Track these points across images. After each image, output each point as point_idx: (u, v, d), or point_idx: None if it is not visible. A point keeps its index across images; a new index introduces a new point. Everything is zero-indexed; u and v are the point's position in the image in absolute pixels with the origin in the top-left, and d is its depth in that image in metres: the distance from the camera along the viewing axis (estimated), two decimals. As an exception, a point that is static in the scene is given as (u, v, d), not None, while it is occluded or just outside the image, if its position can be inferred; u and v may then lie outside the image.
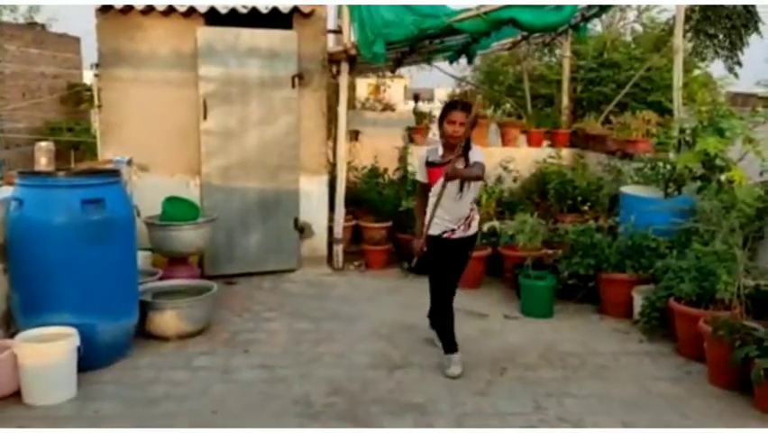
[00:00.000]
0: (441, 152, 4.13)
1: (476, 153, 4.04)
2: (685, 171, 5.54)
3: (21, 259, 4.05)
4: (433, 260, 4.26)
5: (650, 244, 5.32)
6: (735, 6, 9.39)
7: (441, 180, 3.96)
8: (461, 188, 4.08)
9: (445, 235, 4.17)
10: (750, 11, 9.50)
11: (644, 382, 4.12)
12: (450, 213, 4.12)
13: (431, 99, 16.47)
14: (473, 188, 4.18)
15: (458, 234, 4.19)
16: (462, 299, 5.71)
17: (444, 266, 4.25)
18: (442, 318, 4.34)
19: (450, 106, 4.14)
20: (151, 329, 4.68)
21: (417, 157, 4.07)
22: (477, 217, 4.31)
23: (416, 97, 11.83)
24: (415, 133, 8.54)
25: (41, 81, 12.09)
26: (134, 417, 3.59)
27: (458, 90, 12.65)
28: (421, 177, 4.28)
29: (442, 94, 14.39)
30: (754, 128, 5.53)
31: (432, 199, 4.09)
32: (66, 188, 4.11)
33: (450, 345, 4.26)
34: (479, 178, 4.04)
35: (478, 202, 4.43)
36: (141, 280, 4.79)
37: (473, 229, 4.28)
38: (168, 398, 3.82)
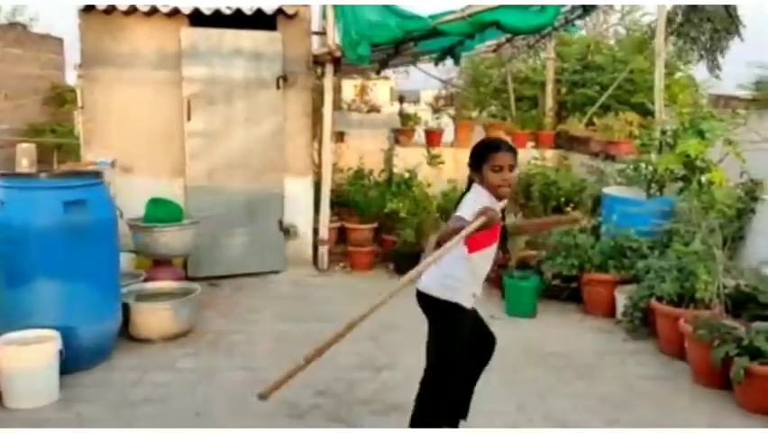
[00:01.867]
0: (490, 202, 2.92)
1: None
2: (666, 173, 5.62)
3: (2, 261, 4.01)
4: (460, 341, 3.14)
5: (632, 244, 5.38)
6: (716, 9, 9.50)
7: (491, 247, 3.05)
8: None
9: (470, 307, 3.17)
10: (731, 14, 9.60)
11: (627, 381, 4.16)
12: (481, 279, 3.17)
13: (417, 101, 16.48)
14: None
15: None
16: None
17: (471, 337, 3.24)
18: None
19: (492, 148, 3.00)
20: (135, 332, 4.65)
21: (476, 193, 2.96)
22: None
23: (402, 99, 11.85)
24: (400, 134, 8.57)
25: (24, 82, 11.96)
26: (117, 419, 3.57)
27: (444, 92, 12.68)
28: (468, 217, 2.76)
29: (428, 96, 14.40)
30: (733, 130, 5.62)
31: (478, 261, 3.06)
32: (48, 190, 4.08)
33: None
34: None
35: None
36: (124, 282, 4.77)
37: None
38: (151, 400, 3.80)
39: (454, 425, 3.30)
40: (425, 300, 3.17)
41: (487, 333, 3.39)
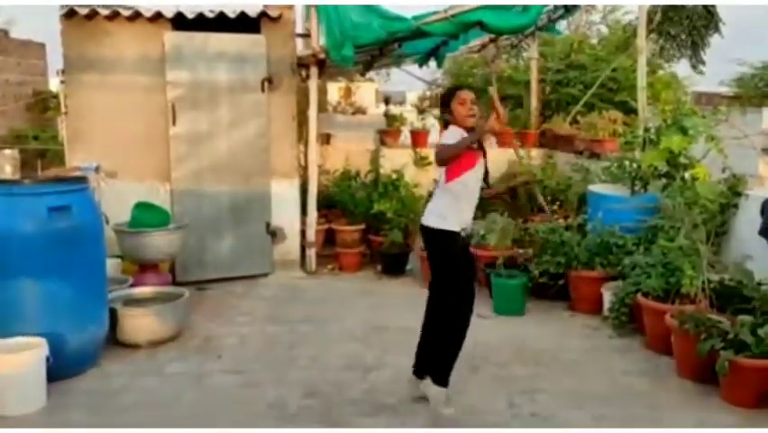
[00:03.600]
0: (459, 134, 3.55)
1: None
2: (650, 169, 5.67)
3: (-14, 268, 3.98)
4: (456, 262, 3.66)
5: (617, 241, 5.42)
6: (695, 7, 9.61)
7: (476, 167, 3.60)
8: (485, 176, 3.74)
9: (464, 234, 3.67)
10: (710, 11, 9.72)
11: (614, 377, 4.19)
12: (470, 206, 3.68)
13: (402, 102, 16.53)
14: None
15: (467, 233, 3.73)
16: (436, 300, 5.77)
17: (469, 270, 3.76)
18: (459, 337, 3.68)
19: (456, 88, 3.76)
20: (122, 337, 4.63)
21: (449, 131, 3.54)
22: None
23: (387, 100, 11.88)
24: (386, 135, 8.58)
25: (6, 89, 11.87)
26: (106, 426, 3.55)
27: (429, 93, 12.72)
28: (454, 141, 3.49)
29: (413, 97, 14.43)
30: (716, 126, 5.68)
31: (457, 187, 3.60)
32: (32, 196, 4.05)
33: (447, 377, 3.69)
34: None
35: None
36: (111, 287, 4.74)
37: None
38: (139, 406, 3.78)
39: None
40: (424, 232, 3.71)
41: (470, 273, 3.77)
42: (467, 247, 3.79)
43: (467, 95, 3.57)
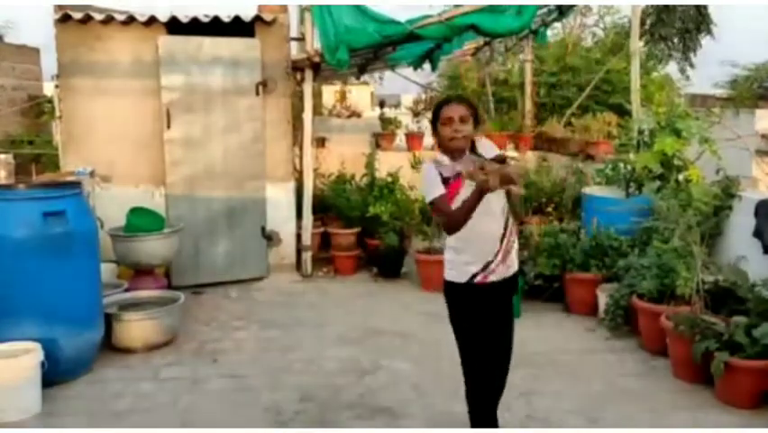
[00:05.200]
0: (448, 162, 2.85)
1: (487, 146, 2.91)
2: (644, 171, 5.69)
3: (-20, 274, 3.97)
4: (463, 323, 2.94)
5: (612, 243, 5.43)
6: (687, 9, 9.66)
7: (464, 195, 2.74)
8: (507, 198, 2.84)
9: (478, 280, 2.86)
10: (702, 13, 9.77)
11: (610, 378, 4.20)
12: (484, 241, 2.84)
13: (397, 105, 16.54)
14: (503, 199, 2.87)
15: (498, 274, 2.87)
16: (432, 303, 5.77)
17: (484, 329, 2.92)
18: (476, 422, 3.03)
19: (442, 102, 2.97)
20: (117, 342, 4.62)
21: (423, 173, 2.88)
22: (516, 244, 2.97)
23: (382, 104, 11.90)
24: (381, 138, 8.60)
25: (0, 94, 11.82)
26: (101, 431, 3.54)
27: (423, 96, 12.73)
28: (438, 190, 2.82)
29: (408, 100, 14.44)
30: (709, 128, 5.71)
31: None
32: (26, 201, 4.04)
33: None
34: (515, 180, 2.54)
35: (508, 222, 2.93)
36: (106, 292, 4.73)
37: (515, 263, 2.96)
38: (135, 411, 3.77)
39: (492, 418, 3.05)
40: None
41: (503, 322, 3.02)
42: (489, 299, 2.91)
43: (453, 111, 2.85)
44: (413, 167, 8.01)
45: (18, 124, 12.09)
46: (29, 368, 3.70)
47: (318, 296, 6.12)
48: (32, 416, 3.68)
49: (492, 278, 2.86)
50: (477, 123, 2.92)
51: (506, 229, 2.87)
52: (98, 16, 6.03)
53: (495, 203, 2.80)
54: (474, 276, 2.85)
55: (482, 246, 2.85)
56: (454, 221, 2.73)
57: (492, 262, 2.85)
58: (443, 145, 2.89)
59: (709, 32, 9.80)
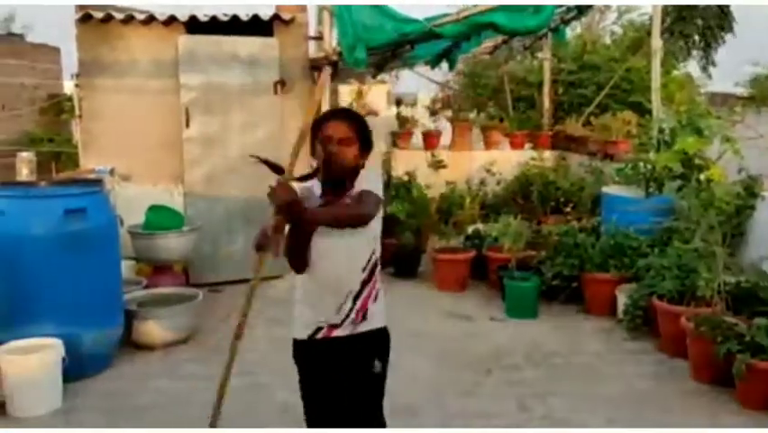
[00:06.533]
0: (318, 189, 2.43)
1: (366, 178, 2.37)
2: (665, 171, 5.62)
3: (3, 270, 4.02)
4: (306, 387, 2.56)
5: (632, 243, 5.38)
6: (709, 7, 9.53)
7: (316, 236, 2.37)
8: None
9: (320, 335, 2.45)
10: (724, 11, 9.64)
11: (628, 380, 4.16)
12: (331, 288, 2.41)
13: (414, 104, 16.51)
14: (365, 240, 2.38)
15: (347, 329, 2.41)
16: (448, 302, 5.77)
17: (324, 397, 2.47)
18: None
19: (324, 117, 2.46)
20: (137, 338, 4.66)
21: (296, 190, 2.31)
22: (381, 295, 2.51)
23: (399, 102, 11.87)
24: (398, 137, 8.58)
25: (20, 92, 11.97)
26: (120, 426, 3.57)
27: (440, 95, 12.70)
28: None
29: (425, 99, 14.41)
30: (731, 127, 5.63)
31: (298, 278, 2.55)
32: (48, 198, 4.10)
33: None
34: (361, 219, 2.25)
35: (374, 268, 2.46)
36: (125, 289, 4.77)
37: (378, 318, 2.48)
38: (153, 407, 3.80)
39: None
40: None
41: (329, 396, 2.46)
42: (328, 362, 2.46)
43: (333, 129, 2.35)
44: (431, 166, 8.02)
45: (38, 123, 12.24)
46: (50, 364, 3.75)
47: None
48: (53, 411, 3.73)
49: (336, 334, 2.43)
50: (365, 147, 2.39)
51: (367, 284, 2.42)
52: (119, 16, 6.09)
53: (356, 253, 2.38)
54: (317, 331, 2.48)
55: (315, 296, 2.49)
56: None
57: (341, 320, 2.42)
58: (319, 164, 2.38)
59: (731, 29, 9.66)
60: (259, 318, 5.40)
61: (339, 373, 2.42)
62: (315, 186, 2.42)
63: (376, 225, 2.36)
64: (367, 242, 2.38)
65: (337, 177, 2.34)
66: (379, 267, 2.43)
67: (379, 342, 2.48)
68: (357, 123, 2.40)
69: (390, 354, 2.60)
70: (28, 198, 4.09)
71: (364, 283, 2.40)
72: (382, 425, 2.50)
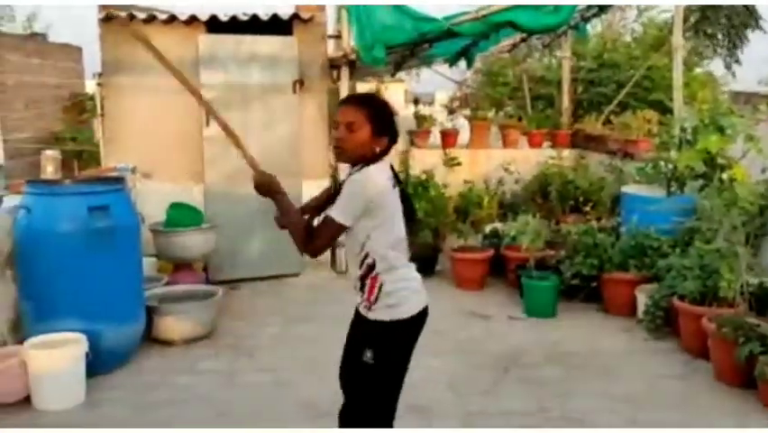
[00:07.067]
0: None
1: (351, 182, 2.36)
2: (686, 170, 5.56)
3: (29, 266, 4.09)
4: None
5: (653, 243, 5.33)
6: (734, 6, 9.40)
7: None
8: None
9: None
10: (750, 10, 9.50)
11: (648, 380, 4.13)
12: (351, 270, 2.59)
13: (431, 103, 16.49)
14: (353, 241, 2.45)
15: (361, 309, 2.60)
16: (466, 301, 5.76)
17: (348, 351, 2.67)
18: None
19: (338, 103, 2.59)
20: (157, 334, 4.71)
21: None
22: (387, 289, 2.50)
23: (416, 101, 11.87)
24: (416, 136, 8.57)
25: (44, 91, 12.15)
26: (141, 421, 3.62)
27: (458, 93, 12.67)
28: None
29: (442, 97, 14.38)
30: (755, 126, 5.55)
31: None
32: (72, 196, 4.15)
33: None
34: (303, 250, 2.51)
35: (372, 266, 2.49)
36: (146, 285, 4.83)
37: (381, 312, 2.52)
38: (173, 402, 3.84)
39: None
40: None
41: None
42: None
43: (338, 115, 2.40)
44: (445, 164, 8.00)
45: (61, 122, 12.41)
46: (74, 358, 3.80)
47: (353, 293, 6.13)
48: (76, 405, 3.78)
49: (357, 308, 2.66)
50: (381, 129, 2.36)
51: (367, 274, 2.49)
52: (141, 15, 6.16)
53: (351, 246, 2.47)
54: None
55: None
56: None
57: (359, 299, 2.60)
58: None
59: (758, 27, 9.51)
60: (282, 315, 5.45)
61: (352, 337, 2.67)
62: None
63: (363, 227, 2.39)
64: (357, 242, 2.44)
65: (346, 162, 2.42)
66: (376, 268, 2.46)
67: (376, 334, 2.53)
68: (368, 106, 2.37)
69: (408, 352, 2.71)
70: (53, 196, 4.14)
71: (362, 279, 2.49)
72: (371, 419, 2.58)
